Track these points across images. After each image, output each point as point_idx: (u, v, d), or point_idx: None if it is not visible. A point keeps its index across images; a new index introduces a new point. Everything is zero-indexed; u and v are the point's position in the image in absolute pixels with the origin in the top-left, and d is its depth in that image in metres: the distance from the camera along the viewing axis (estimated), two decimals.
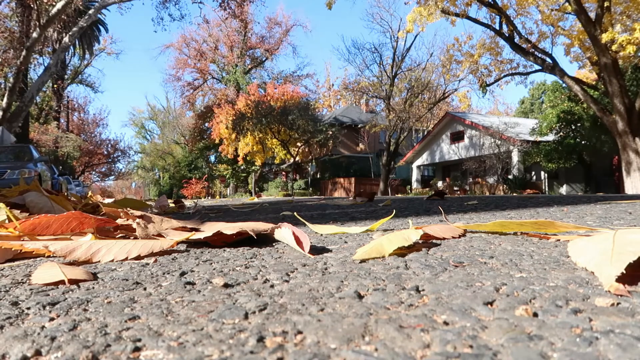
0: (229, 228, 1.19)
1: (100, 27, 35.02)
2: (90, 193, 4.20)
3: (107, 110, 73.70)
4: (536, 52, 14.81)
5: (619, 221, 1.73)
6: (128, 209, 1.49)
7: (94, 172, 48.01)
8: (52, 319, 0.56)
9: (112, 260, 0.97)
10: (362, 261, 0.89)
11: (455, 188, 23.03)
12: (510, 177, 21.52)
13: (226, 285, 0.72)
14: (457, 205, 3.19)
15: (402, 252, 0.96)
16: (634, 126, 12.26)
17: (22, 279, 0.82)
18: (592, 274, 0.71)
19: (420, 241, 1.14)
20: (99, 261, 0.96)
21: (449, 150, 26.58)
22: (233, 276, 0.80)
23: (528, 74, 16.45)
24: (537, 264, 0.82)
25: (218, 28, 40.45)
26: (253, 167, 31.47)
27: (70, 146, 32.50)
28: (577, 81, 14.15)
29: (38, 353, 0.44)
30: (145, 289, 0.72)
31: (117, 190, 65.91)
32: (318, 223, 1.89)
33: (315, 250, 1.09)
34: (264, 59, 42.97)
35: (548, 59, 14.54)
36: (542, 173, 22.84)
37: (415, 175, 29.17)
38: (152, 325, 0.52)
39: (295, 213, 2.17)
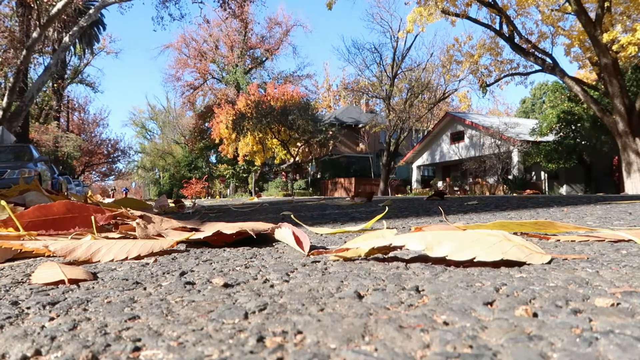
0: (229, 228, 1.19)
1: (100, 26, 35.02)
2: (90, 192, 4.21)
3: (108, 110, 73.81)
4: (536, 53, 14.81)
5: (619, 221, 1.73)
6: (128, 208, 1.49)
7: (94, 172, 48.03)
8: (52, 319, 0.55)
9: (112, 260, 0.97)
10: (346, 260, 0.89)
11: (455, 188, 23.03)
12: (510, 177, 21.52)
13: (226, 285, 0.72)
14: (457, 205, 3.19)
15: (379, 252, 0.93)
16: (634, 127, 12.26)
17: (22, 279, 0.82)
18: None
19: None
20: (99, 261, 0.96)
21: (449, 151, 26.57)
22: (233, 276, 0.80)
23: (528, 74, 16.45)
24: (537, 264, 0.82)
25: (218, 28, 40.49)
26: (253, 167, 31.47)
27: (70, 146, 32.48)
28: (578, 81, 14.14)
29: (38, 353, 0.44)
30: (145, 288, 0.72)
31: (117, 190, 65.86)
32: (318, 223, 1.89)
33: (315, 250, 1.09)
34: (264, 59, 42.98)
35: (548, 59, 14.53)
36: (542, 173, 22.84)
37: (415, 175, 29.15)
38: (152, 325, 0.52)
39: (292, 215, 2.17)
